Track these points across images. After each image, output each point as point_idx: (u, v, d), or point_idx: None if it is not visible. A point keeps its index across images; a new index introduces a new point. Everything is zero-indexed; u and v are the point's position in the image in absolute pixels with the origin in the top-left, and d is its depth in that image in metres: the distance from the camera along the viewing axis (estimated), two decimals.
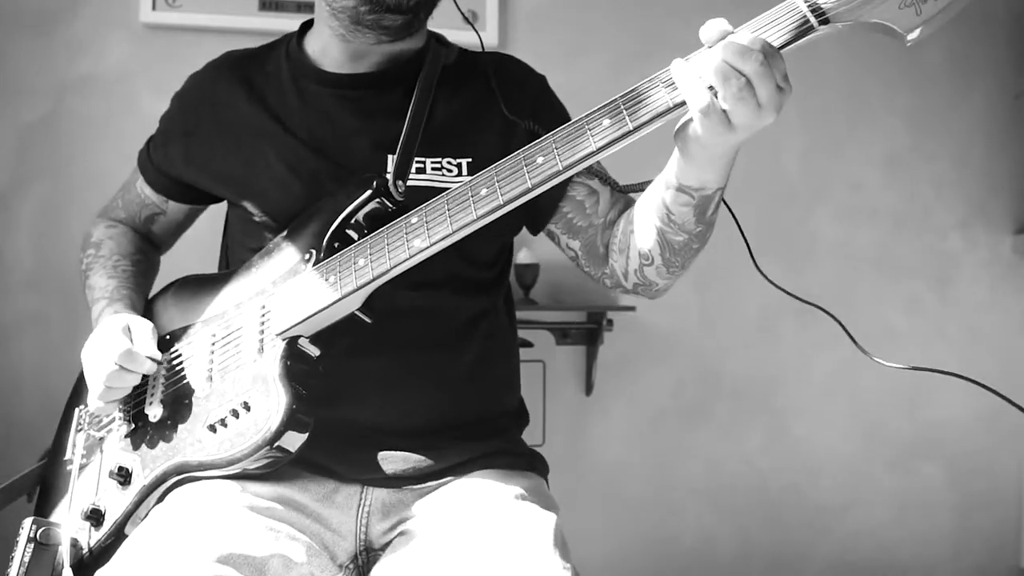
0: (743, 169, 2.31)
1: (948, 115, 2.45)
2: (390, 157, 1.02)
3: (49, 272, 2.05)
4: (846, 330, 0.97)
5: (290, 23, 2.09)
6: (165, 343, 1.05)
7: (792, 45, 0.75)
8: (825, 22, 0.74)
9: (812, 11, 0.74)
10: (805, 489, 2.41)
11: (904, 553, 2.44)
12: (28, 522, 0.97)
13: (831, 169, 2.40)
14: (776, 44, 0.75)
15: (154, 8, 2.05)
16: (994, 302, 2.48)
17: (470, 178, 0.87)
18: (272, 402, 0.89)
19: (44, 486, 1.12)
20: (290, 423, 0.87)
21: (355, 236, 0.98)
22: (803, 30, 0.74)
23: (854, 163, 2.41)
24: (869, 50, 2.37)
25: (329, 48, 1.08)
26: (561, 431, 2.26)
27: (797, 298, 1.00)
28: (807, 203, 2.39)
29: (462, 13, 1.15)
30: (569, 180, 1.06)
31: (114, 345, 0.98)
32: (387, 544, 0.99)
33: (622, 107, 0.80)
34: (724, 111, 0.76)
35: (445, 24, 1.15)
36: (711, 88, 0.76)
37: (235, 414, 0.91)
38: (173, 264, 1.31)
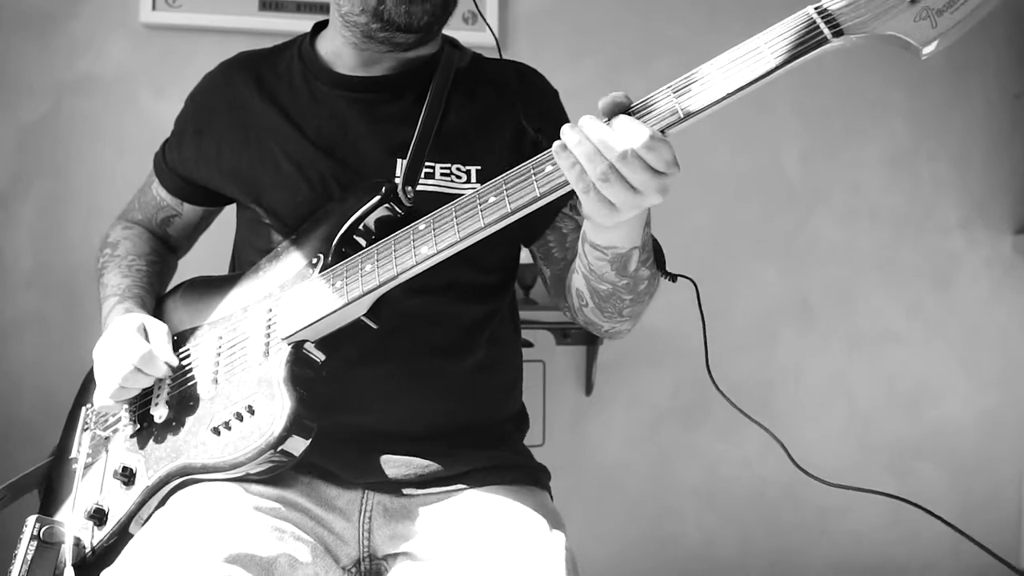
0: (743, 170, 2.33)
1: (948, 115, 2.45)
2: (400, 161, 1.02)
3: (49, 272, 2.04)
4: (784, 448, 1.08)
5: (290, 23, 2.09)
6: (173, 344, 1.05)
7: (804, 57, 0.74)
8: (839, 34, 0.73)
9: (826, 23, 0.73)
10: (804, 490, 2.41)
11: (903, 553, 2.44)
12: (32, 520, 0.97)
13: (831, 170, 2.40)
14: (787, 56, 0.73)
15: (154, 8, 2.04)
16: (994, 302, 2.48)
17: (479, 186, 0.87)
18: (276, 406, 0.88)
19: (50, 485, 1.12)
20: (293, 428, 0.87)
21: (363, 242, 0.98)
22: (816, 42, 0.73)
23: (854, 164, 2.41)
24: (868, 50, 2.37)
25: (342, 52, 1.08)
26: (561, 431, 2.26)
27: (743, 412, 1.11)
28: (807, 204, 2.39)
29: (484, 19, 1.15)
30: (559, 211, 1.07)
31: (133, 346, 0.97)
32: (390, 555, 0.99)
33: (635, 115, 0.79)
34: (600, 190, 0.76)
35: (447, 24, 1.15)
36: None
37: (239, 417, 0.91)
38: (185, 265, 1.31)
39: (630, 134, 0.73)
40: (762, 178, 2.36)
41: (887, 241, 2.43)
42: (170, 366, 0.99)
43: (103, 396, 1.00)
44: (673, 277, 0.99)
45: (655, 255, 0.97)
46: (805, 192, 2.39)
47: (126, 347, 0.98)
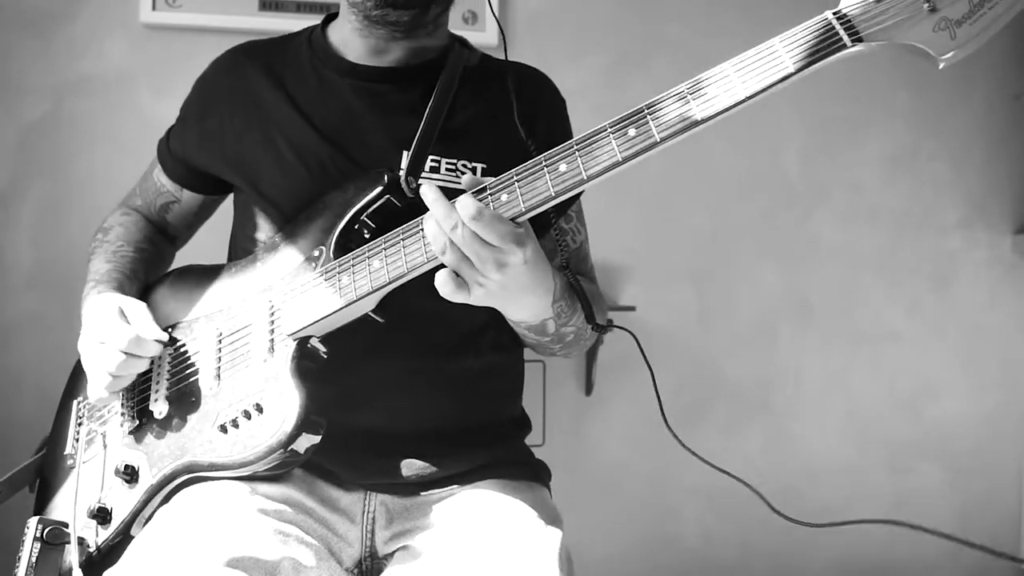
0: (743, 170, 2.33)
1: (948, 115, 2.45)
2: (404, 153, 1.01)
3: (49, 272, 2.04)
4: (763, 497, 1.10)
5: (290, 23, 2.09)
6: (169, 338, 1.03)
7: (823, 62, 0.74)
8: (859, 40, 0.74)
9: (845, 29, 0.74)
10: (804, 489, 2.41)
11: (903, 553, 2.44)
12: (34, 522, 0.96)
13: (831, 170, 2.40)
14: (806, 61, 0.74)
15: (154, 8, 2.04)
16: (994, 302, 2.48)
17: (491, 181, 0.84)
18: (286, 404, 0.88)
19: (43, 480, 1.10)
20: (304, 426, 0.86)
21: (364, 233, 0.97)
22: (835, 47, 0.74)
23: (854, 164, 2.41)
24: (869, 51, 2.37)
25: (351, 41, 1.07)
26: (561, 431, 2.25)
27: (709, 463, 1.12)
28: (807, 204, 2.39)
29: (495, 14, 1.15)
30: (549, 227, 1.06)
31: (117, 332, 0.95)
32: (390, 553, 0.99)
33: (647, 115, 0.78)
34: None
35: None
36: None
37: (247, 415, 0.90)
38: (181, 253, 1.30)
39: (461, 208, 0.79)
40: (762, 178, 2.36)
41: (887, 241, 2.43)
42: (161, 343, 0.97)
43: (98, 389, 0.98)
44: (604, 328, 1.02)
45: (585, 309, 1.00)
46: (805, 192, 2.39)
47: (110, 334, 0.96)
